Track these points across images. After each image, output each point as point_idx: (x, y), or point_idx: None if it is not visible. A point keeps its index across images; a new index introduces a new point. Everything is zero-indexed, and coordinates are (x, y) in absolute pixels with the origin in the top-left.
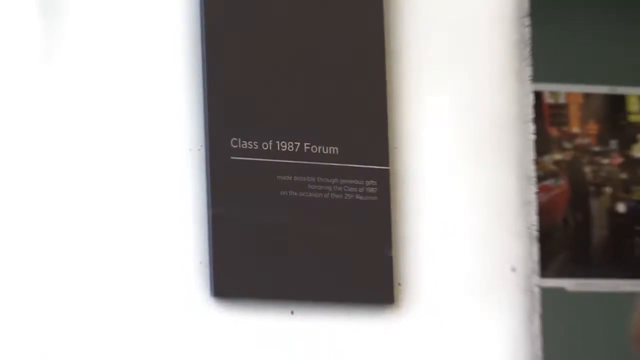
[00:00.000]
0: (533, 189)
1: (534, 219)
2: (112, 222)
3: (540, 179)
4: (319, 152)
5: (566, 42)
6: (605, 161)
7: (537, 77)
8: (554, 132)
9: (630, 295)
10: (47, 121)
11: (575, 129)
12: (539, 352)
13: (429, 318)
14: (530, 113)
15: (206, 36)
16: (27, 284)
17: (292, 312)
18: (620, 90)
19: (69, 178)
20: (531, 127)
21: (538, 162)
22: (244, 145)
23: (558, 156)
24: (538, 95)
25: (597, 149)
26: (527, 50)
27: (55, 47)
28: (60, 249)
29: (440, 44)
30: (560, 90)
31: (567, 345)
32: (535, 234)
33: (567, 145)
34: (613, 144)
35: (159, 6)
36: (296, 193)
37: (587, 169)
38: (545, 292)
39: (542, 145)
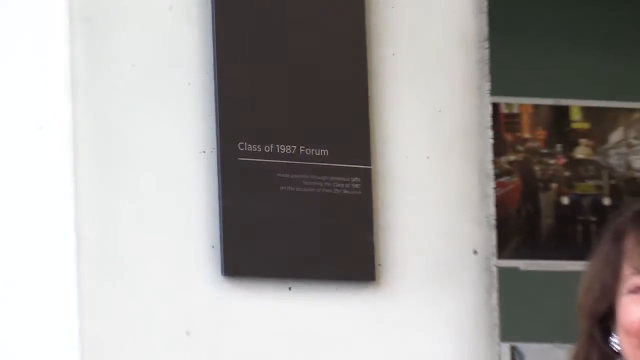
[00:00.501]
0: (491, 184)
1: (492, 210)
2: (142, 215)
3: (497, 176)
4: (312, 153)
5: (519, 62)
6: (552, 161)
7: (494, 91)
8: (508, 137)
9: (573, 274)
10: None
11: (526, 135)
12: (496, 321)
13: (405, 293)
14: (489, 121)
15: (217, 60)
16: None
17: (289, 288)
18: (564, 102)
19: (110, 176)
20: (490, 133)
21: (495, 162)
22: (250, 148)
23: (512, 157)
24: (495, 106)
25: (544, 151)
26: (486, 69)
27: (84, 57)
28: (101, 236)
29: (415, 63)
30: (513, 102)
31: (520, 316)
32: (493, 222)
33: (519, 148)
34: (558, 147)
35: (176, 32)
36: (293, 188)
37: (537, 168)
38: (502, 271)
39: (499, 148)
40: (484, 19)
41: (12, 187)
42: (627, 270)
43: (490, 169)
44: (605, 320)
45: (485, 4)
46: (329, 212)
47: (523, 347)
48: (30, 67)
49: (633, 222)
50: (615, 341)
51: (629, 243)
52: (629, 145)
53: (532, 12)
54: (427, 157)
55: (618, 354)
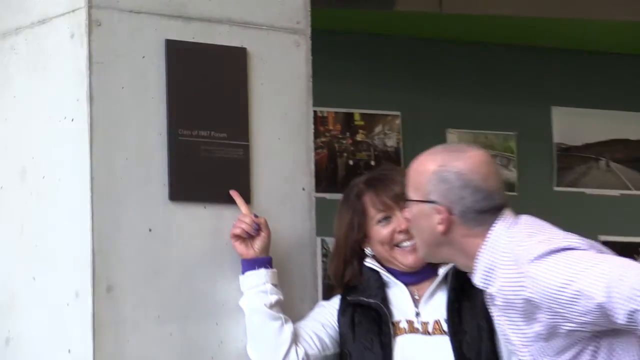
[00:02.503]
0: (312, 154)
1: (312, 167)
2: (128, 166)
3: (315, 149)
4: (218, 136)
5: (327, 88)
6: (344, 142)
7: (315, 104)
8: (321, 128)
9: None
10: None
11: (331, 127)
12: (314, 224)
13: (268, 210)
14: (311, 120)
15: (168, 86)
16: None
17: (205, 207)
18: (351, 110)
19: (111, 143)
20: (311, 127)
21: (314, 142)
22: (184, 133)
23: (323, 139)
24: (315, 112)
25: (340, 136)
26: (311, 92)
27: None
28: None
29: (273, 90)
30: (324, 110)
31: (329, 220)
32: (313, 173)
33: (327, 134)
34: (347, 134)
35: (147, 69)
36: (208, 155)
37: (336, 145)
38: (317, 200)
39: (316, 134)
40: (310, 66)
41: (61, 149)
42: (371, 212)
43: (312, 145)
44: (359, 243)
45: (310, 58)
46: (227, 167)
47: (328, 240)
48: (68, 89)
49: (366, 185)
50: (369, 251)
51: (368, 198)
52: (384, 134)
53: (337, 61)
54: (279, 139)
55: (380, 261)
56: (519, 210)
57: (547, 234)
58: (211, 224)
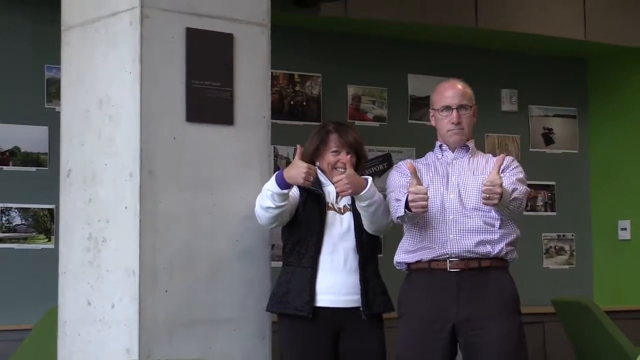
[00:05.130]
0: (270, 97)
1: (269, 104)
2: (163, 106)
3: (272, 94)
4: (215, 84)
5: (279, 58)
6: (289, 90)
7: (272, 68)
8: (275, 82)
9: (297, 126)
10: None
11: (281, 82)
12: (269, 138)
13: (242, 128)
14: (269, 77)
15: (187, 57)
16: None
17: (207, 125)
18: (293, 72)
19: (151, 92)
20: (269, 82)
21: (271, 90)
22: (196, 82)
23: (276, 88)
24: (272, 73)
25: (286, 87)
26: (269, 61)
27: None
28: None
29: (245, 62)
30: (278, 71)
31: (278, 133)
32: (270, 108)
33: (278, 86)
34: (290, 86)
35: (173, 44)
36: (209, 95)
37: (283, 92)
38: (272, 124)
39: (272, 85)
40: (270, 45)
41: (123, 89)
42: (331, 144)
43: (269, 92)
44: (314, 158)
45: (270, 41)
46: (220, 103)
47: (278, 147)
48: (127, 54)
49: (334, 128)
50: (319, 165)
51: (333, 136)
52: (312, 87)
53: (286, 44)
54: (250, 87)
55: (322, 171)
56: (386, 136)
57: None
58: (210, 135)
